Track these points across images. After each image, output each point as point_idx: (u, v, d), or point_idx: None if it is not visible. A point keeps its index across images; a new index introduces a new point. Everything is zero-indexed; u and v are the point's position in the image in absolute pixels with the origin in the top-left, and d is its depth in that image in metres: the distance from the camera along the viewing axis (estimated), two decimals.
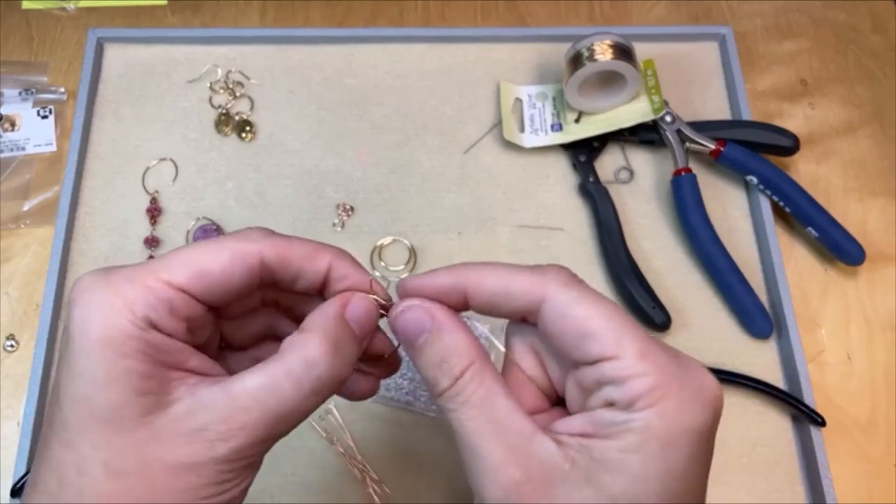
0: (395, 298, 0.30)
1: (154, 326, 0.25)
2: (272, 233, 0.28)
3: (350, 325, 0.28)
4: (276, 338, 0.32)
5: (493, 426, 0.25)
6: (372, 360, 0.31)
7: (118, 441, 0.24)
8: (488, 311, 0.28)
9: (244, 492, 0.26)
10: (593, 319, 0.25)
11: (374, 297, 0.29)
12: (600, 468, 0.24)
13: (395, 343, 0.31)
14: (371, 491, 0.47)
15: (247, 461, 0.25)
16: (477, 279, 0.27)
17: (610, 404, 0.25)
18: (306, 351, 0.26)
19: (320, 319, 0.27)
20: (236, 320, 0.30)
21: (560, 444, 0.25)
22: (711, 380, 0.25)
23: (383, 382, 0.49)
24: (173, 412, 0.24)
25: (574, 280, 0.27)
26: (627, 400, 0.24)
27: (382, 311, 0.30)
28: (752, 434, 0.49)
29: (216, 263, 0.26)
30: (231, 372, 0.26)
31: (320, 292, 0.29)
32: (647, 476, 0.23)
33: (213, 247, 0.26)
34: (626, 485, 0.23)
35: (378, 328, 0.30)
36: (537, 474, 0.24)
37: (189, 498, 0.24)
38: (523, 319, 0.28)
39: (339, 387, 0.28)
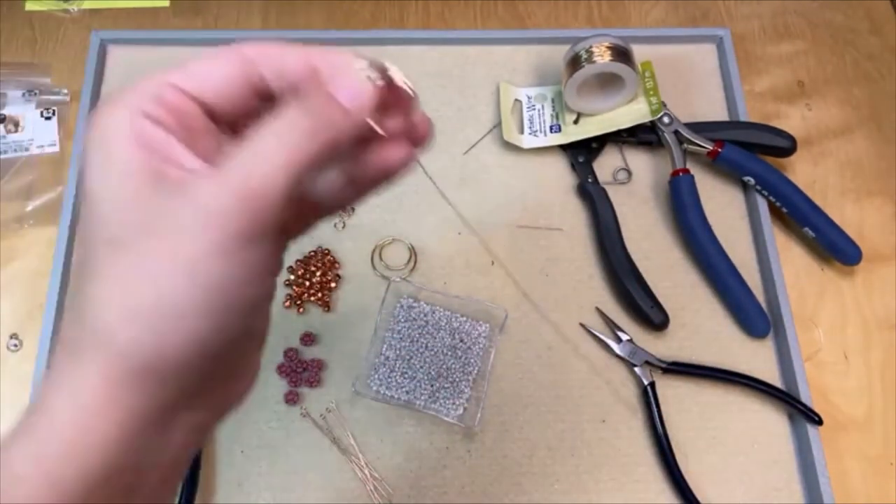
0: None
1: (147, 116, 0.25)
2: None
3: (329, 94, 0.26)
4: None
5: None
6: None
7: (119, 218, 0.23)
8: None
9: (257, 288, 0.25)
10: None
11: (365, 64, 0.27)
12: None
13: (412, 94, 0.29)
14: (371, 489, 0.47)
15: (243, 237, 0.23)
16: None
17: None
18: (288, 114, 0.25)
19: (303, 90, 0.26)
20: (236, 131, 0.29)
21: None
22: None
23: (384, 380, 0.49)
24: (169, 188, 0.24)
25: None
26: None
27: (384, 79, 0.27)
28: (750, 433, 0.50)
29: (201, 63, 0.27)
30: None
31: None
32: None
33: (200, 56, 0.27)
34: None
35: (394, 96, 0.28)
36: None
37: (186, 269, 0.23)
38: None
39: (338, 151, 0.26)
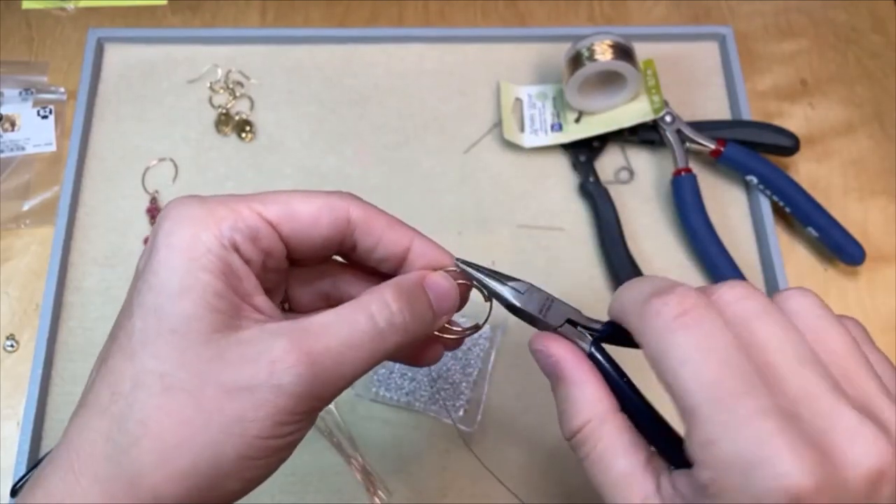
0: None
1: (236, 249, 0.25)
2: (359, 198, 0.28)
3: (427, 295, 0.28)
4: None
5: (607, 486, 0.24)
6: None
7: (180, 354, 0.23)
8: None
9: (290, 449, 0.25)
10: None
11: (456, 267, 0.30)
12: None
13: (462, 328, 0.31)
14: (371, 490, 0.47)
15: (306, 404, 0.24)
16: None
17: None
18: (384, 297, 0.26)
19: (400, 279, 0.28)
20: (304, 277, 0.30)
21: None
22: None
23: (384, 382, 0.49)
24: (240, 336, 0.24)
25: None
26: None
27: (467, 283, 0.30)
28: None
29: (307, 209, 0.26)
30: None
31: (395, 270, 0.29)
32: None
33: (305, 194, 0.27)
34: None
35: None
36: None
37: (236, 429, 0.23)
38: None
39: (406, 348, 0.27)
